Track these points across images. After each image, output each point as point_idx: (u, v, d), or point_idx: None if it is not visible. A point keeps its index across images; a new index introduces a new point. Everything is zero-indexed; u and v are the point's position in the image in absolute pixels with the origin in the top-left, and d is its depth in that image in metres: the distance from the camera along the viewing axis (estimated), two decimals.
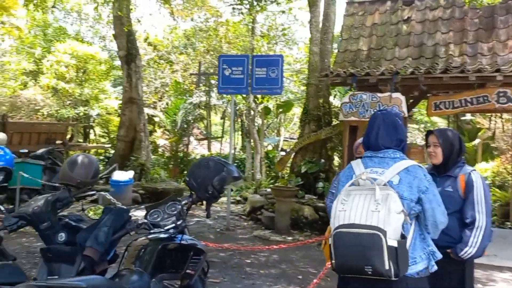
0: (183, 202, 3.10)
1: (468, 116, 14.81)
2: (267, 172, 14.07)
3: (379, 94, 7.02)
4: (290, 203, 7.92)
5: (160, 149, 19.70)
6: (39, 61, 21.74)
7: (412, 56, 7.77)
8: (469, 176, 2.91)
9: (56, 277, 2.75)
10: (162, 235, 2.90)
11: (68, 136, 17.54)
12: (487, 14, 7.79)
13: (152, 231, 2.90)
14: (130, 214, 3.04)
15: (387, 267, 2.01)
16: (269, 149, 19.46)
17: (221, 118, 23.21)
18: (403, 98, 6.86)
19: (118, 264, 2.84)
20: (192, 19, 21.19)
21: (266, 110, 16.49)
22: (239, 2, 13.67)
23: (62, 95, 19.54)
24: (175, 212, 3.08)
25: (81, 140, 22.36)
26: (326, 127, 9.07)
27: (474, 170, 2.99)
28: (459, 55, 7.44)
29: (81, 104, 19.70)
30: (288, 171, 10.00)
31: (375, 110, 7.04)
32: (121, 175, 9.50)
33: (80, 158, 3.23)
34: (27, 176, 7.82)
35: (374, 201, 2.12)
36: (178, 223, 2.99)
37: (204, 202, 3.14)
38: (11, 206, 7.75)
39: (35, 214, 3.01)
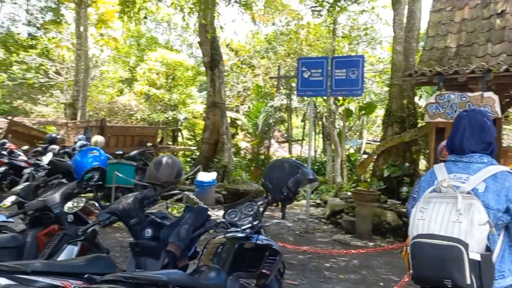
0: (259, 203, 3.17)
1: None
2: (349, 176, 13.79)
3: (469, 94, 6.57)
4: (372, 207, 7.69)
5: (242, 152, 20.21)
6: (133, 69, 23.43)
7: (506, 52, 7.17)
8: None
9: (142, 270, 2.95)
10: (239, 235, 2.99)
11: (158, 139, 18.73)
12: None
13: (229, 230, 3.00)
14: (209, 213, 3.19)
15: (468, 281, 1.89)
16: (351, 152, 19.05)
17: (302, 121, 23.18)
18: (496, 97, 6.36)
19: (197, 260, 2.98)
20: (273, 23, 21.53)
21: (348, 112, 16.17)
22: (319, 4, 13.63)
23: (154, 100, 20.86)
24: (251, 212, 3.16)
25: (170, 143, 23.71)
26: (411, 129, 8.68)
27: None
28: None
29: (170, 109, 20.89)
30: (370, 175, 9.72)
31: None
32: (204, 176, 9.90)
33: (164, 159, 3.45)
34: (121, 176, 8.48)
35: (456, 211, 1.98)
36: (254, 223, 3.06)
37: (280, 204, 3.19)
38: (107, 204, 8.46)
39: (125, 211, 3.28)
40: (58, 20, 20.12)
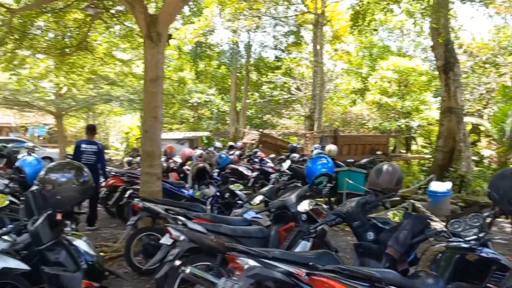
0: (485, 215, 3.05)
1: None
2: None
3: None
4: None
5: (486, 160, 18.11)
6: (365, 79, 23.96)
7: None
8: None
9: None
10: (462, 245, 2.94)
11: (391, 147, 18.61)
12: None
13: (450, 239, 2.99)
14: (429, 221, 3.23)
15: None
16: None
17: None
18: None
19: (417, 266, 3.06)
20: None
21: None
22: None
23: (385, 108, 20.84)
24: (477, 224, 3.07)
25: (403, 151, 23.21)
26: None
27: None
28: None
29: (402, 116, 20.47)
30: None
31: None
32: (438, 186, 9.43)
33: (385, 167, 3.65)
34: (352, 182, 8.90)
35: None
36: (480, 235, 2.97)
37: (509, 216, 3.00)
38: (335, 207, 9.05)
39: (348, 213, 3.62)
40: (298, 41, 22.35)
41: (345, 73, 25.10)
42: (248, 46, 24.13)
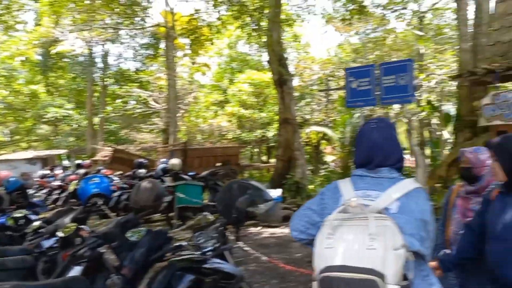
0: (216, 225, 3.19)
1: None
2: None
3: None
4: None
5: (331, 165, 19.84)
6: (225, 92, 24.67)
7: None
8: None
9: None
10: (193, 257, 3.03)
11: (249, 158, 19.31)
12: None
13: (184, 253, 3.06)
14: (169, 235, 3.28)
15: None
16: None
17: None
18: None
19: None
20: (356, 33, 21.03)
21: (446, 117, 14.89)
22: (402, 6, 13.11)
23: (243, 120, 21.66)
24: (216, 235, 3.18)
25: (265, 159, 24.33)
26: (483, 134, 7.76)
27: None
28: None
29: (260, 127, 21.46)
30: (442, 185, 8.88)
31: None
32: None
33: (143, 184, 3.64)
34: (184, 196, 8.94)
35: (368, 235, 1.63)
36: (216, 245, 3.08)
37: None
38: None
39: (106, 234, 3.52)
40: (154, 54, 22.10)
41: (204, 87, 25.52)
42: (104, 57, 23.13)
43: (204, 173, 11.07)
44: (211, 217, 3.81)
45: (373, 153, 1.95)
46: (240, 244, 5.04)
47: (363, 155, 1.98)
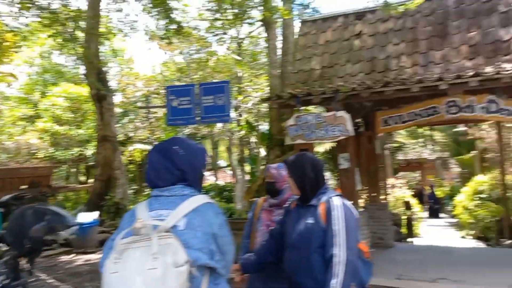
0: (5, 259, 2.74)
1: (462, 127, 14.13)
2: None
3: (324, 114, 6.63)
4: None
5: None
6: (36, 106, 22.14)
7: (364, 71, 7.39)
8: (329, 203, 2.49)
9: None
10: None
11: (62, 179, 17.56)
12: (439, 21, 7.37)
13: None
14: None
15: None
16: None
17: (214, 148, 23.07)
18: (348, 116, 6.44)
19: None
20: (181, 52, 21.41)
21: (263, 136, 16.06)
22: (222, 32, 13.74)
23: (58, 137, 19.70)
24: (5, 270, 2.72)
25: (84, 179, 22.48)
26: (290, 152, 8.65)
27: (338, 195, 2.56)
28: (411, 66, 7.02)
29: (77, 145, 19.79)
30: None
31: (321, 130, 6.66)
32: (85, 217, 9.22)
33: None
34: None
35: (151, 255, 1.61)
36: (4, 282, 2.63)
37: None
38: None
39: None
40: None
41: (11, 98, 22.53)
42: None
43: (4, 198, 9.62)
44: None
45: (156, 172, 1.93)
46: (43, 276, 4.51)
47: (150, 176, 1.96)
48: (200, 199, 1.88)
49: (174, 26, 9.59)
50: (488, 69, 5.83)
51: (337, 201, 2.48)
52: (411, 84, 5.94)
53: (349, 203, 2.54)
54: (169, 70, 23.63)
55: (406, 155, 23.76)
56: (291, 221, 2.63)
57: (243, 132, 17.69)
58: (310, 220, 2.49)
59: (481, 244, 10.87)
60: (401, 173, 24.50)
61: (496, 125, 10.51)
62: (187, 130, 19.57)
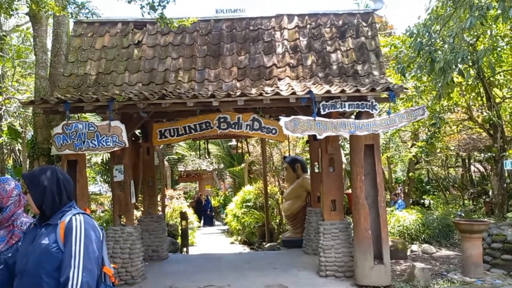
0: None
1: (233, 142, 15.43)
2: None
3: (96, 123, 6.22)
4: None
5: None
6: None
7: (142, 82, 7.26)
8: (70, 222, 2.26)
9: None
10: None
11: None
12: (215, 42, 7.85)
13: None
14: None
15: None
16: None
17: None
18: (123, 126, 6.21)
19: None
20: None
21: (29, 145, 13.98)
22: None
23: None
24: None
25: None
26: (59, 162, 7.80)
27: (81, 213, 2.33)
28: (188, 81, 7.24)
29: None
30: None
31: (93, 140, 6.23)
32: None
33: None
34: None
35: None
36: None
37: None
38: None
39: None
40: None
41: None
42: None
43: None
44: None
45: None
46: None
47: None
48: None
49: None
50: (253, 91, 6.47)
51: (78, 220, 2.28)
52: (187, 99, 6.10)
53: (93, 222, 2.36)
54: None
55: (186, 166, 24.66)
56: (24, 244, 2.34)
57: (4, 139, 15.25)
58: (45, 241, 2.24)
59: (246, 249, 11.99)
60: (181, 184, 25.30)
61: (261, 140, 11.83)
62: None
